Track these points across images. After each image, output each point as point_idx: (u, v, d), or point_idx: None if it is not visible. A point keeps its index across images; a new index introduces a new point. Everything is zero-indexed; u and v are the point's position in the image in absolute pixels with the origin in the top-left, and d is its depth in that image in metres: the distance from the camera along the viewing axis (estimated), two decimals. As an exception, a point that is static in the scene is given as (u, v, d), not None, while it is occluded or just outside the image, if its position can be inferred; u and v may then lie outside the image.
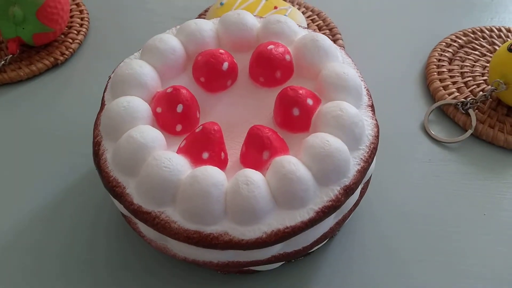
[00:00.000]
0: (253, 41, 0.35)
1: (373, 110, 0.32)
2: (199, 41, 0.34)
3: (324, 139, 0.27)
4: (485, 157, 0.39)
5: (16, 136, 0.41)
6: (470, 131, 0.40)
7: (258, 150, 0.28)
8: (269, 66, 0.32)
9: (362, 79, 0.33)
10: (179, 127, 0.31)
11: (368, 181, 0.33)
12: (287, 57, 0.33)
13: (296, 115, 0.30)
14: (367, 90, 0.33)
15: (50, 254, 0.33)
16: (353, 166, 0.28)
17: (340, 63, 0.32)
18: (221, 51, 0.33)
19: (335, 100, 0.30)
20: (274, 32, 0.34)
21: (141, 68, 0.32)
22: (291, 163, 0.26)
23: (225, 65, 0.33)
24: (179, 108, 0.30)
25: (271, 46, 0.32)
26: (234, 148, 0.30)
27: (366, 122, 0.30)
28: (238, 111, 0.33)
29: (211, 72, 0.33)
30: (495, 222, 0.35)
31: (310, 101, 0.30)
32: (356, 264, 0.33)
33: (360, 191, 0.31)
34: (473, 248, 0.34)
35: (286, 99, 0.30)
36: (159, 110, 0.30)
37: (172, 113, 0.30)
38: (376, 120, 0.31)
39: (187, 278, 0.32)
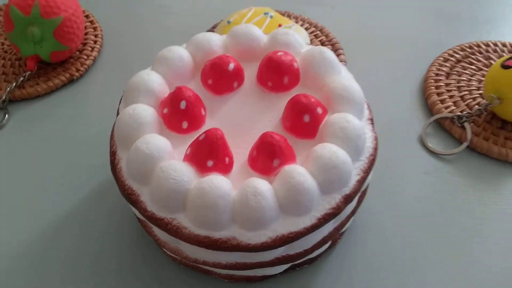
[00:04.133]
0: (260, 51, 0.37)
1: (372, 123, 0.34)
2: (206, 50, 0.36)
3: (332, 151, 0.29)
4: (480, 168, 0.41)
5: (35, 148, 0.43)
6: (465, 144, 0.41)
7: (269, 157, 0.29)
8: (278, 71, 0.34)
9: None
10: (185, 124, 0.32)
11: (366, 189, 0.35)
12: (295, 64, 0.35)
13: (306, 122, 0.31)
14: (367, 104, 0.35)
15: (74, 256, 0.36)
16: (354, 176, 0.30)
17: (345, 77, 0.35)
18: (228, 55, 0.35)
19: (340, 112, 0.32)
20: (283, 42, 0.36)
21: (148, 76, 0.34)
22: (300, 174, 0.28)
23: (231, 65, 0.35)
24: (183, 104, 0.32)
25: (280, 53, 0.35)
26: (241, 147, 0.32)
27: (367, 135, 0.32)
28: (245, 112, 0.35)
29: (218, 72, 0.34)
30: (490, 231, 0.37)
31: (319, 110, 0.32)
32: (358, 272, 0.35)
33: (358, 199, 0.33)
34: (469, 257, 0.35)
35: (299, 105, 0.32)
36: (165, 111, 0.33)
37: (177, 110, 0.32)
38: (375, 133, 0.33)
39: (195, 285, 0.34)
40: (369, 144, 0.32)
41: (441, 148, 0.42)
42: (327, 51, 0.35)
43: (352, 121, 0.31)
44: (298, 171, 0.28)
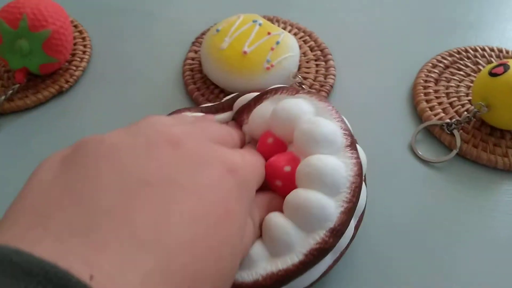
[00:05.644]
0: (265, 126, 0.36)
1: (352, 148, 0.32)
2: None
3: (295, 194, 0.30)
4: (470, 175, 0.41)
5: (25, 159, 0.43)
6: (455, 151, 0.42)
7: None
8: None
9: (339, 119, 0.33)
10: None
11: (362, 213, 0.34)
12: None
13: (279, 185, 0.32)
14: (345, 130, 0.33)
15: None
16: (336, 209, 0.30)
17: (309, 123, 0.32)
18: None
19: (308, 156, 0.31)
20: (283, 117, 0.34)
21: None
22: (274, 219, 0.30)
23: None
24: None
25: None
26: None
27: (344, 164, 0.31)
28: None
29: None
30: (478, 237, 0.38)
31: (288, 168, 0.32)
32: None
33: (355, 225, 0.33)
34: (459, 263, 0.36)
35: (267, 174, 0.32)
36: None
37: None
38: (356, 158, 0.31)
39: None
40: (348, 173, 0.31)
41: (431, 156, 0.42)
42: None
43: (315, 163, 0.30)
44: (274, 216, 0.30)
